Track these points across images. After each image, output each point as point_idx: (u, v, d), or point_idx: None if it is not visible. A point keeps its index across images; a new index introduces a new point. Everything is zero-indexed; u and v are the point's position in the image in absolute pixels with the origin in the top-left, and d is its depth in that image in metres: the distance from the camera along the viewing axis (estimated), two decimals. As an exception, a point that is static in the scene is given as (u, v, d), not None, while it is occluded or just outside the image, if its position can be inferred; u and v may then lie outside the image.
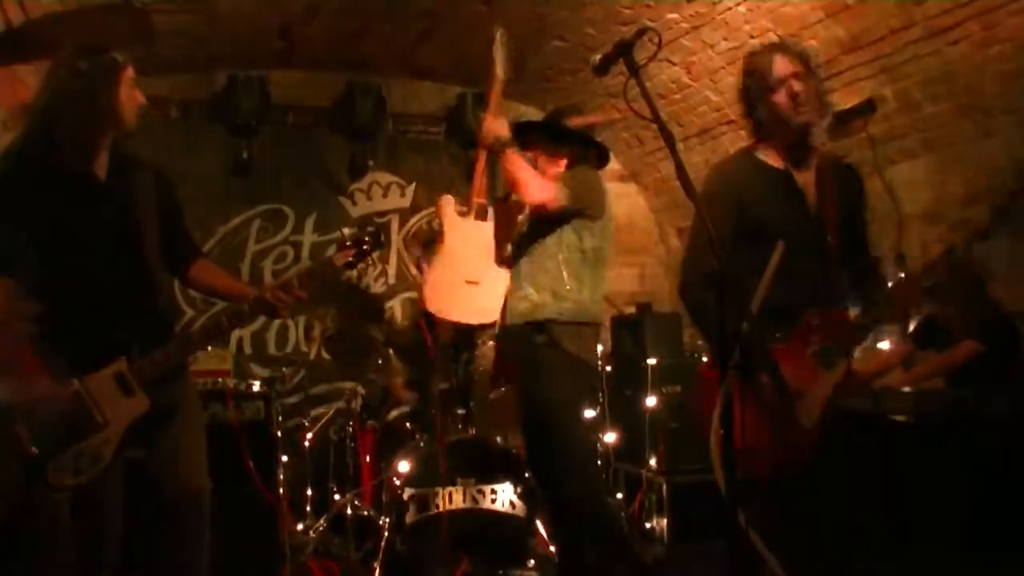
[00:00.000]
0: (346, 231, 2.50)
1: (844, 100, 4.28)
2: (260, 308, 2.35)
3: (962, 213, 4.08)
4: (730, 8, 4.25)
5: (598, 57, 1.98)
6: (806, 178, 2.32)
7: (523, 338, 3.01)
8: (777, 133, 2.30)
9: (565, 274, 2.99)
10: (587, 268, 3.03)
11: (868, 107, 4.08)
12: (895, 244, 4.03)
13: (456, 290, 3.09)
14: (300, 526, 4.00)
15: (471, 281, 3.10)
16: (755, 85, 2.29)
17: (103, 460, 2.15)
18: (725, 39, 4.49)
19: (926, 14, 3.68)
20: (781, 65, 2.24)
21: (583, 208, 2.97)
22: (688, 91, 5.04)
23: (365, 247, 2.43)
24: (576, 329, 2.99)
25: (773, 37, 4.29)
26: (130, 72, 2.28)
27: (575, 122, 3.16)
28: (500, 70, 3.07)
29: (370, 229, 2.47)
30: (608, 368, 4.75)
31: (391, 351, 3.96)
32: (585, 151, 3.14)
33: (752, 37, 4.37)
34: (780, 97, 2.23)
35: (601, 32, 4.80)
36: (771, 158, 2.33)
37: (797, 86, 2.22)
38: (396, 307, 5.59)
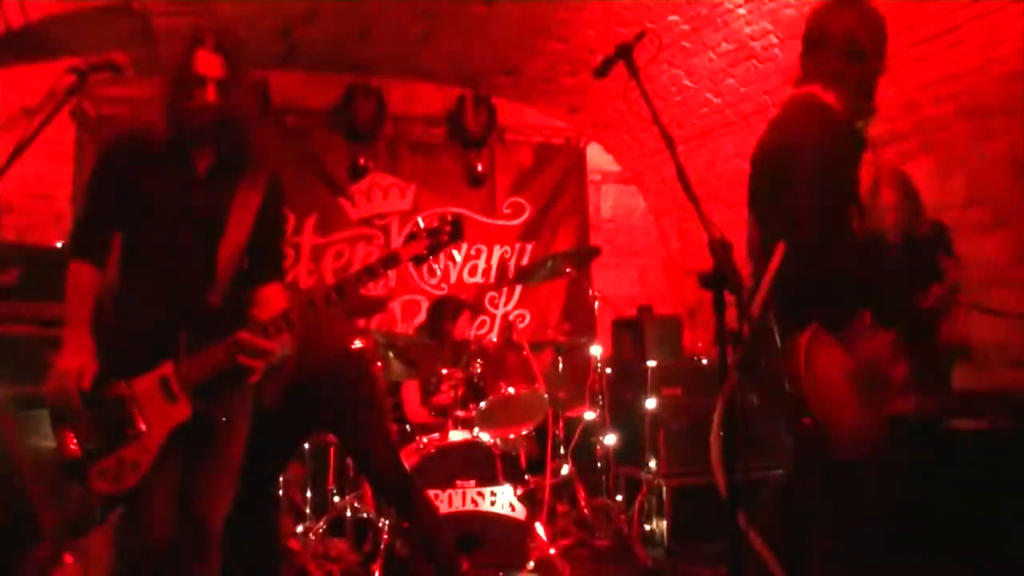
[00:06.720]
0: (421, 220, 2.19)
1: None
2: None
3: (962, 215, 4.07)
4: (730, 10, 4.25)
5: (599, 59, 1.99)
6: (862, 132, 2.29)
7: None
8: (852, 88, 2.24)
9: None
10: None
11: (869, 109, 4.07)
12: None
13: None
14: (300, 528, 3.99)
15: None
16: (871, 48, 2.24)
17: (141, 469, 2.03)
18: (725, 41, 4.49)
19: (927, 15, 3.68)
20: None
21: None
22: (688, 93, 5.04)
23: (444, 238, 2.17)
24: None
25: (773, 39, 4.29)
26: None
27: None
28: None
29: (450, 218, 2.20)
30: (608, 370, 4.75)
31: (391, 353, 3.94)
32: None
33: (752, 39, 4.37)
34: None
35: (601, 34, 4.80)
36: (834, 104, 2.24)
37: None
38: (397, 310, 5.58)
